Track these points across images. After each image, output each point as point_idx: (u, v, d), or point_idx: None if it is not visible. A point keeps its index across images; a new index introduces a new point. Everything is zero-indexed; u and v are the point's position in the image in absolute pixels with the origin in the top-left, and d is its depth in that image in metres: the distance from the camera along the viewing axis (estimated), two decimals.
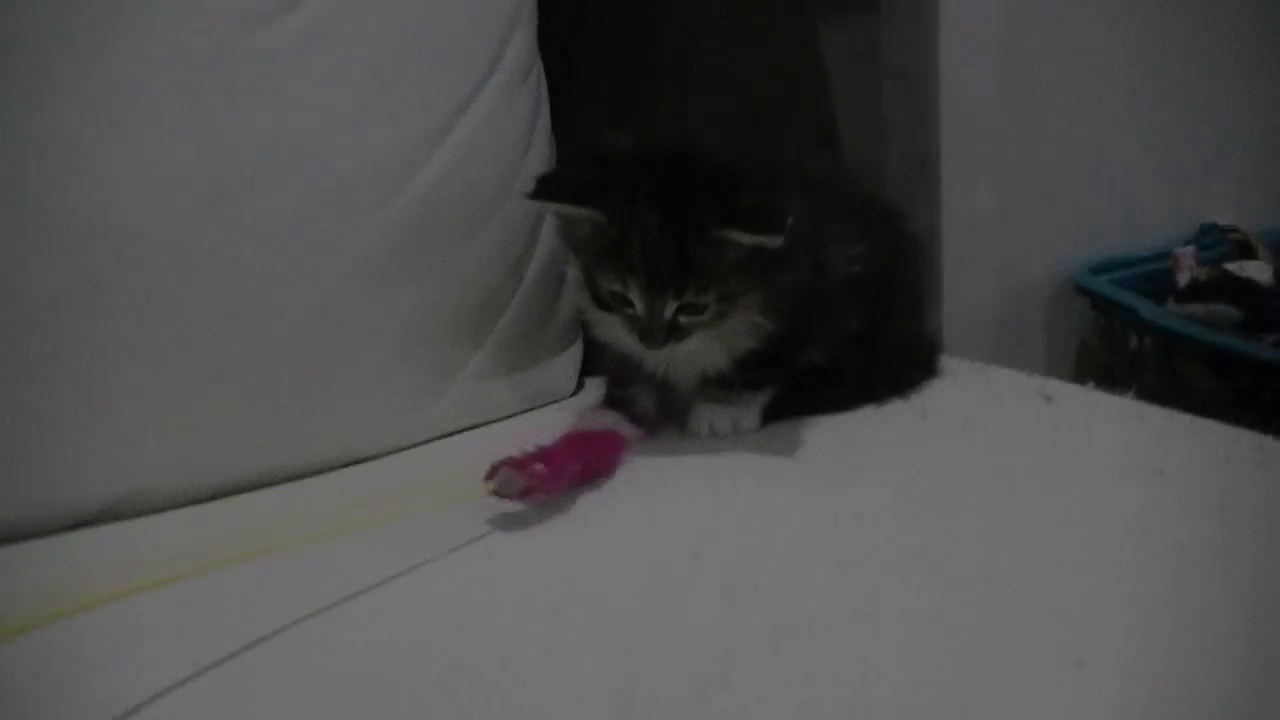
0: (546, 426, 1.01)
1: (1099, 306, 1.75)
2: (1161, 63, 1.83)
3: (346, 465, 0.97)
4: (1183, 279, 1.76)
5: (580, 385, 1.15)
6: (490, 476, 0.81)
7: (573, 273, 0.96)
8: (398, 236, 0.99)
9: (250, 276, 0.93)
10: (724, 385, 0.95)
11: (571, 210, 0.89)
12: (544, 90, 1.14)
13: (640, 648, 0.64)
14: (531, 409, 1.10)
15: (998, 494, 0.81)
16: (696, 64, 1.22)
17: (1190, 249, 1.81)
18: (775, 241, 0.84)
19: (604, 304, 0.91)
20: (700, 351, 0.92)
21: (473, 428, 1.05)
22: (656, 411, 0.99)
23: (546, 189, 0.90)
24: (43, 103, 0.86)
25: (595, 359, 1.09)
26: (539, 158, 1.10)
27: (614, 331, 0.92)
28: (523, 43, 1.10)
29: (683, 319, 0.88)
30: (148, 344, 0.89)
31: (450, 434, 1.04)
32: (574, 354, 1.14)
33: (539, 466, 0.81)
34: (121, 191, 0.88)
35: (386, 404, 1.00)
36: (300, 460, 0.95)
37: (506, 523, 0.80)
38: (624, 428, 0.95)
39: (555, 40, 1.16)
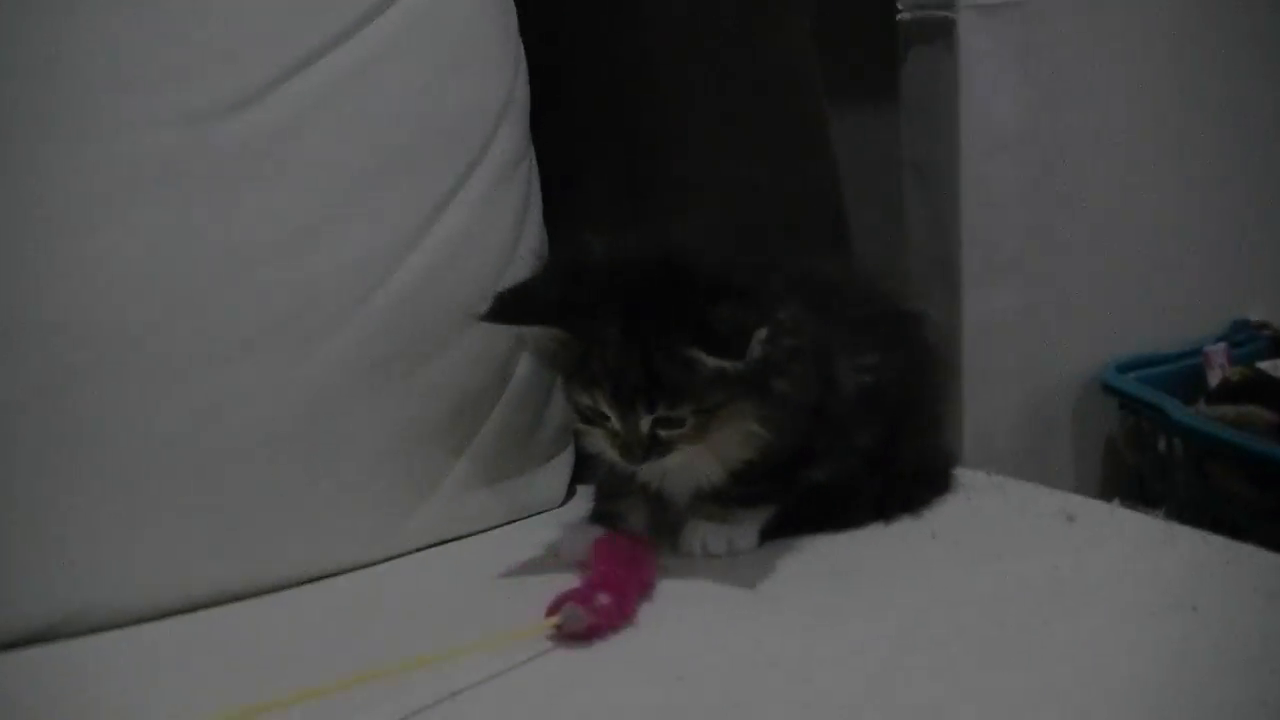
0: (534, 540, 0.96)
1: (1127, 406, 1.69)
2: (1189, 156, 1.79)
3: (313, 581, 0.91)
4: (1214, 378, 1.70)
5: (571, 493, 1.09)
6: (551, 613, 0.75)
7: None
8: (374, 339, 0.93)
9: (216, 383, 0.88)
10: (720, 501, 0.89)
11: (531, 330, 0.86)
12: (535, 182, 1.09)
13: None
14: (518, 519, 1.03)
15: (1013, 635, 0.74)
16: (699, 159, 1.16)
17: (1222, 346, 1.75)
18: (736, 365, 0.79)
19: (584, 417, 0.86)
20: (692, 464, 0.87)
21: (455, 539, 0.99)
22: (647, 528, 0.92)
23: (503, 309, 0.86)
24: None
25: (588, 468, 1.02)
26: (529, 252, 1.04)
27: (599, 444, 0.87)
28: (512, 132, 1.05)
29: (662, 433, 0.83)
30: (102, 453, 0.84)
31: (430, 547, 0.97)
32: (564, 461, 1.08)
33: (603, 598, 0.77)
34: (77, 293, 0.84)
35: (361, 516, 0.94)
36: (266, 576, 0.89)
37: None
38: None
39: (550, 129, 1.11)
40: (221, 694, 0.71)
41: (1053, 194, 1.65)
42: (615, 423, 0.83)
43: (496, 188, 1.02)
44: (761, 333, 0.79)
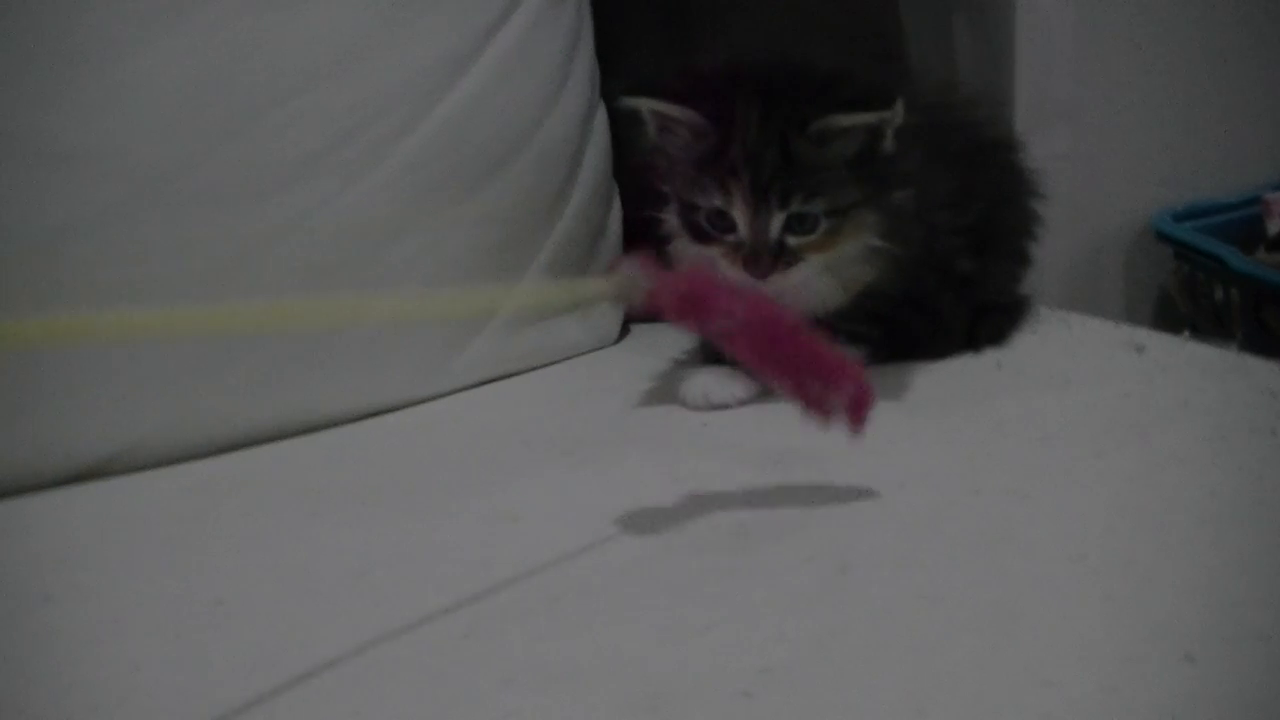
0: (590, 375, 0.93)
1: (1182, 256, 1.65)
2: (1249, 2, 1.72)
3: (364, 419, 0.90)
4: (1274, 226, 1.65)
5: (625, 332, 1.07)
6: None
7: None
8: (424, 165, 0.91)
9: (260, 215, 0.86)
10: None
11: (670, 111, 0.82)
12: (586, 11, 1.05)
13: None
14: (570, 357, 1.01)
15: (1086, 462, 0.71)
16: None
17: None
18: (886, 118, 0.78)
19: (702, 234, 0.82)
20: (815, 286, 0.84)
21: (506, 377, 0.97)
22: None
23: (644, 87, 0.83)
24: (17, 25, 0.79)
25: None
26: (579, 85, 1.01)
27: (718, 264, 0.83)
28: None
29: (791, 240, 0.80)
30: (149, 289, 0.81)
31: (482, 384, 0.96)
32: None
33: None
34: (113, 122, 0.81)
35: (411, 350, 0.93)
36: (315, 412, 0.88)
37: None
38: (723, 391, 0.85)
39: None
40: (268, 529, 0.72)
41: (1108, 35, 1.60)
42: (744, 225, 0.80)
43: (548, 9, 0.99)
44: (898, 103, 0.78)
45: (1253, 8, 1.72)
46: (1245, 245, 1.61)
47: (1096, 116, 1.61)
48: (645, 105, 0.84)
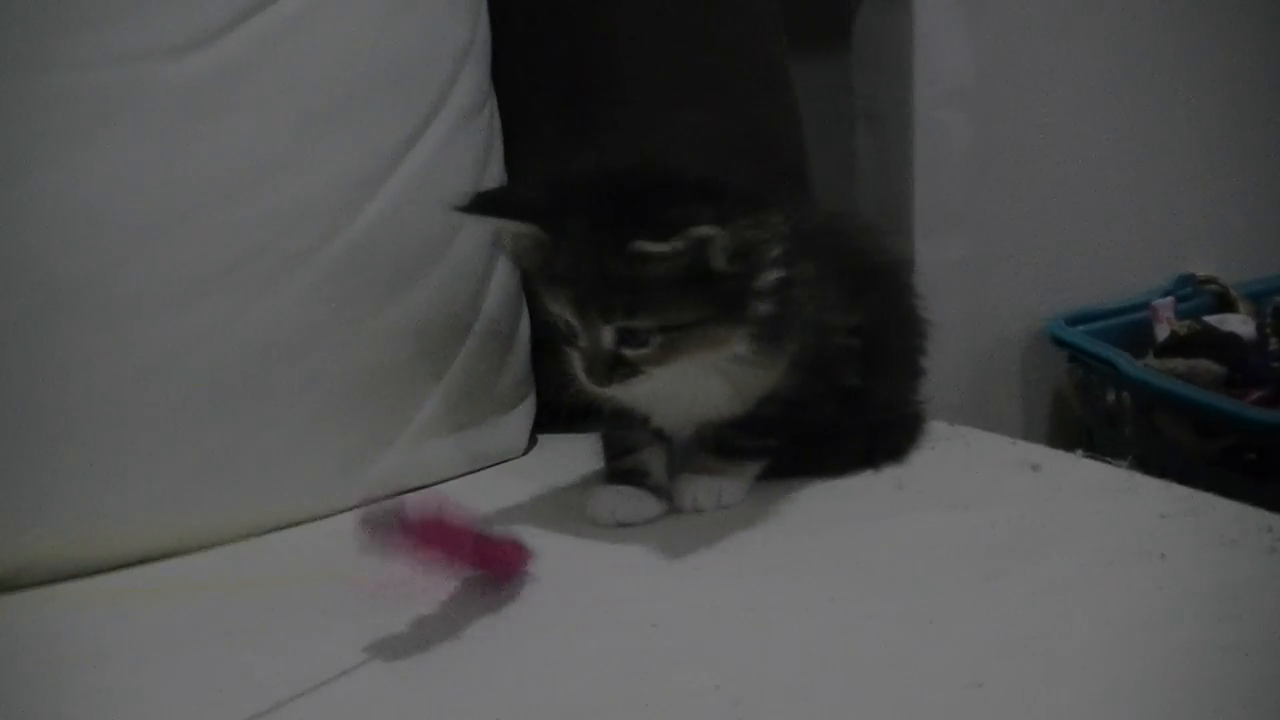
0: (495, 489, 0.94)
1: (1076, 359, 1.69)
2: (1139, 112, 1.78)
3: (269, 532, 0.89)
4: (1161, 332, 1.70)
5: (533, 443, 1.07)
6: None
7: None
8: (332, 283, 0.91)
9: (171, 327, 0.86)
10: (720, 452, 0.88)
11: (506, 225, 0.84)
12: (497, 128, 1.06)
13: None
14: (478, 470, 1.01)
15: (981, 583, 0.74)
16: (659, 99, 1.13)
17: (1169, 300, 1.75)
18: (675, 248, 0.75)
19: (564, 338, 0.83)
20: (710, 394, 0.85)
21: (414, 489, 0.96)
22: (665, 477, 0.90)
23: (481, 203, 0.84)
24: None
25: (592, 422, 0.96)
26: None
27: (572, 366, 0.83)
28: (473, 78, 1.03)
29: (628, 352, 0.79)
30: (47, 402, 0.82)
31: (394, 495, 0.95)
32: (526, 410, 1.06)
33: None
34: (19, 237, 0.81)
35: (318, 465, 0.92)
36: (218, 529, 0.87)
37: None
38: (629, 509, 0.87)
39: (506, 74, 1.08)
40: (170, 644, 0.71)
41: (1003, 146, 1.64)
42: (580, 334, 0.80)
43: (458, 132, 1.00)
44: (711, 230, 0.75)
45: (1141, 122, 1.79)
46: (1136, 349, 1.66)
47: (992, 224, 1.65)
48: (483, 222, 0.87)
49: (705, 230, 0.75)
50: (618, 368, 0.80)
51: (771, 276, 0.81)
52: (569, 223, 0.79)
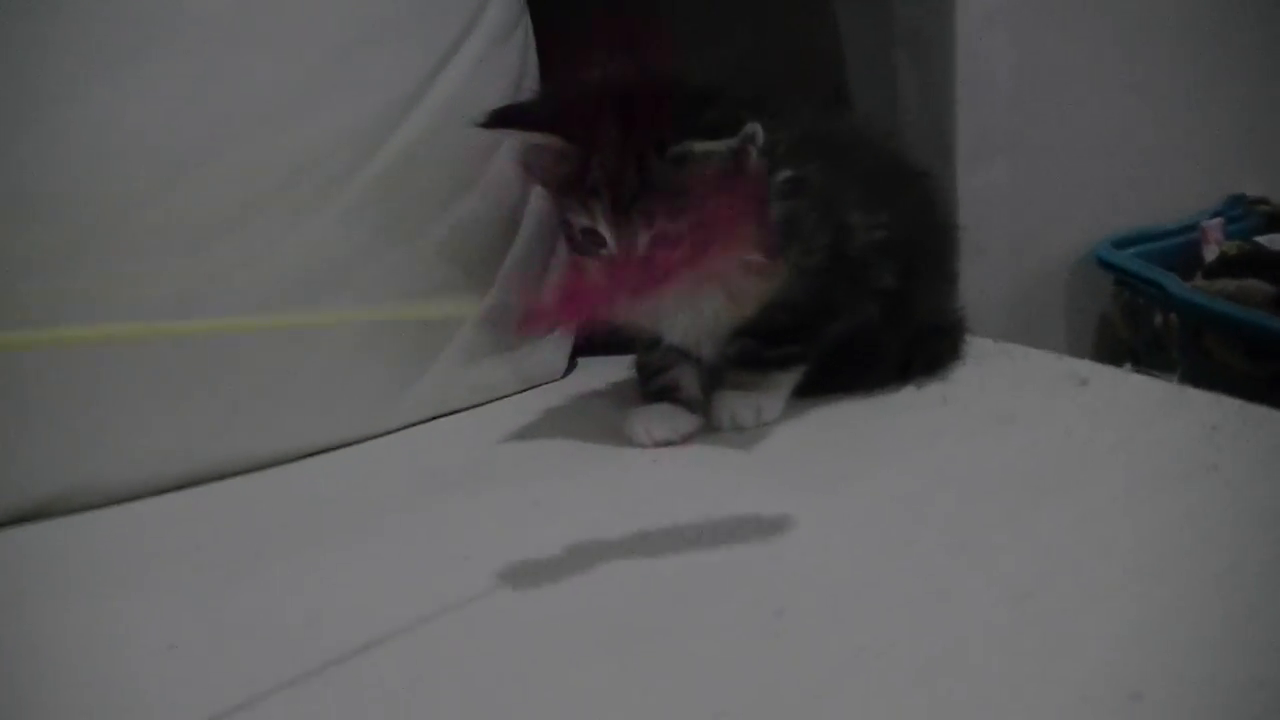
0: (537, 410, 0.94)
1: (1123, 283, 1.67)
2: (1187, 30, 1.75)
3: (311, 456, 0.89)
4: (1210, 254, 1.68)
5: (572, 366, 1.07)
6: None
7: None
8: (372, 204, 0.91)
9: (213, 252, 0.86)
10: (749, 365, 0.88)
11: (528, 138, 0.82)
12: (532, 51, 1.05)
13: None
14: (518, 392, 1.01)
15: (1032, 499, 0.72)
16: (701, 23, 1.12)
17: (1218, 221, 1.73)
18: (746, 141, 0.76)
19: (581, 248, 0.81)
20: (701, 304, 0.85)
21: (454, 413, 0.97)
22: (701, 393, 0.90)
23: (501, 117, 0.82)
24: None
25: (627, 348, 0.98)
26: None
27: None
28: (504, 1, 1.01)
29: (660, 255, 0.79)
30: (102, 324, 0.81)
31: (431, 419, 0.96)
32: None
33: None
34: (68, 161, 0.81)
35: (358, 388, 0.92)
36: (264, 450, 0.88)
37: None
38: (665, 428, 0.87)
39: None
40: (213, 565, 0.71)
41: (1047, 67, 1.62)
42: (611, 243, 0.79)
43: (491, 53, 0.99)
44: (754, 127, 0.76)
45: (1188, 42, 1.75)
46: (1184, 272, 1.63)
47: (1037, 148, 1.63)
48: (503, 137, 0.86)
49: (753, 128, 0.76)
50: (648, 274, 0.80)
51: (780, 177, 0.82)
52: (599, 131, 0.78)
